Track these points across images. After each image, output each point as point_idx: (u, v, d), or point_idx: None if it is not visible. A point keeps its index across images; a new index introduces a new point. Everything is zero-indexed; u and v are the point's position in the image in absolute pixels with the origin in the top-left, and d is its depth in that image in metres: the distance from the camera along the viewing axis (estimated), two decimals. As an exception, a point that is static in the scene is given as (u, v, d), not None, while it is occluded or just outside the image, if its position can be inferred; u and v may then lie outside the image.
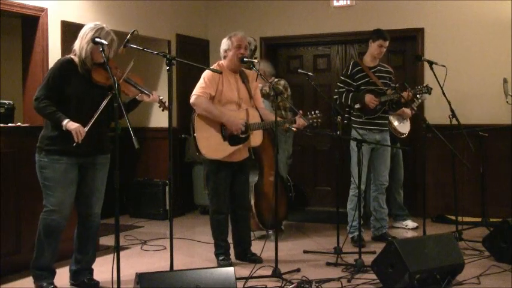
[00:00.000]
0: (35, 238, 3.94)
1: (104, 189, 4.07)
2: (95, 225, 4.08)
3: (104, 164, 4.03)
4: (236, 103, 4.62)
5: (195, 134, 4.52)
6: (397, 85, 5.46)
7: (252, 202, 5.33)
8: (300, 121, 4.57)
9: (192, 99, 4.52)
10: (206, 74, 4.57)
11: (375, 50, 5.40)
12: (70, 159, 3.85)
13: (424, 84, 5.44)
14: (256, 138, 4.68)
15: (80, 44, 3.83)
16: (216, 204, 4.68)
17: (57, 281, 4.01)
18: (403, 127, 6.05)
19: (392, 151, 5.96)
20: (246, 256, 4.76)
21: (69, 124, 3.72)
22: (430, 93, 5.43)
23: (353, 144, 5.18)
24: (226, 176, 4.65)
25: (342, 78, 5.49)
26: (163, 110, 4.17)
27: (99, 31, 3.81)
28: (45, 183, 3.86)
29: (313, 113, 4.60)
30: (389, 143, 5.45)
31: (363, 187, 5.28)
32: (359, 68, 5.41)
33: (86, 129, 3.74)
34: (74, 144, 3.71)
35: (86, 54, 3.81)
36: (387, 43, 5.40)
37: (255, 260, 4.66)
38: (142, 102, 4.09)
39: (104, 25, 3.88)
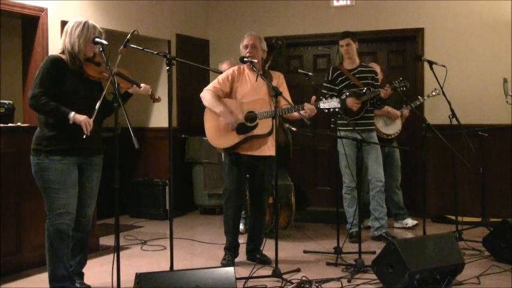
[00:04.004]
0: (45, 250, 3.75)
1: (97, 192, 3.99)
2: (87, 228, 3.97)
3: (99, 165, 3.95)
4: (245, 98, 4.63)
5: (205, 126, 4.65)
6: (377, 83, 5.52)
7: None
8: (308, 106, 4.47)
9: (202, 93, 4.69)
10: (222, 74, 4.73)
11: (341, 51, 5.61)
12: (71, 159, 3.74)
13: (401, 78, 5.46)
14: (262, 127, 4.58)
15: (70, 39, 3.74)
16: (227, 197, 4.69)
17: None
18: (389, 128, 6.02)
19: (384, 151, 5.98)
20: (255, 256, 4.75)
21: (77, 116, 3.60)
22: (408, 87, 5.45)
23: (340, 146, 5.23)
24: (242, 170, 4.66)
25: (325, 84, 5.59)
26: (153, 102, 4.13)
27: (86, 25, 3.75)
28: (49, 186, 3.71)
29: (328, 98, 4.53)
30: (376, 141, 5.49)
31: (353, 185, 5.44)
32: (339, 72, 5.54)
33: (92, 119, 3.63)
34: (84, 136, 3.59)
35: (80, 48, 3.73)
36: (345, 41, 5.52)
37: (264, 261, 4.66)
38: (135, 97, 4.05)
39: (85, 19, 3.82)
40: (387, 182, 6.05)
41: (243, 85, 4.68)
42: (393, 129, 6.05)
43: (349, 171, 5.33)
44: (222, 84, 4.67)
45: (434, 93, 6.02)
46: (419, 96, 6.24)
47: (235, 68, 4.77)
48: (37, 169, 3.75)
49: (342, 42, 5.53)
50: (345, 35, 5.55)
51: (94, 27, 3.79)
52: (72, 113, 3.61)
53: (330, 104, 4.45)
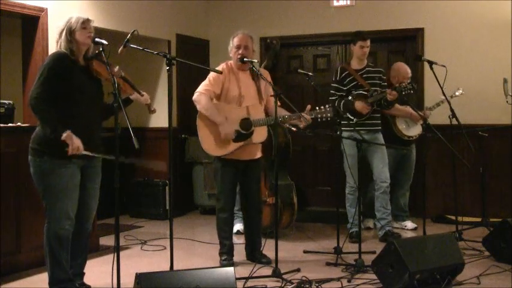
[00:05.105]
0: (45, 254, 3.72)
1: (98, 193, 3.97)
2: (88, 231, 3.95)
3: (100, 167, 3.92)
4: (237, 100, 4.59)
5: (198, 133, 4.59)
6: (385, 83, 5.51)
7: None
8: (305, 117, 4.43)
9: (194, 96, 4.59)
10: (212, 73, 4.61)
11: (357, 51, 5.50)
12: (76, 161, 3.67)
13: (408, 81, 5.44)
14: (260, 134, 4.59)
15: (59, 37, 3.71)
16: (222, 202, 4.68)
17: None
18: (410, 130, 5.95)
19: (402, 152, 5.98)
20: (255, 257, 4.74)
21: (74, 138, 3.53)
22: (415, 89, 5.42)
23: (344, 145, 5.22)
24: (234, 174, 4.64)
25: (333, 85, 5.54)
26: (150, 113, 4.06)
27: (70, 19, 3.72)
28: (50, 190, 3.64)
29: (322, 107, 4.48)
30: (382, 142, 5.47)
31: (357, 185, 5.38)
32: (346, 72, 5.49)
33: (83, 152, 3.56)
34: (68, 154, 3.53)
35: (68, 37, 3.67)
36: (368, 42, 5.47)
37: (264, 261, 4.65)
38: (136, 103, 4.02)
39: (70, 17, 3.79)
40: (401, 182, 6.06)
41: (233, 85, 4.60)
42: (414, 131, 5.96)
43: (352, 171, 5.30)
44: (215, 85, 4.56)
45: (457, 92, 5.97)
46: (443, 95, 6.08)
47: (224, 66, 4.67)
48: (38, 171, 3.67)
49: (363, 43, 5.43)
50: (366, 35, 5.47)
51: (79, 17, 3.73)
52: (65, 134, 3.51)
53: (323, 113, 4.45)
